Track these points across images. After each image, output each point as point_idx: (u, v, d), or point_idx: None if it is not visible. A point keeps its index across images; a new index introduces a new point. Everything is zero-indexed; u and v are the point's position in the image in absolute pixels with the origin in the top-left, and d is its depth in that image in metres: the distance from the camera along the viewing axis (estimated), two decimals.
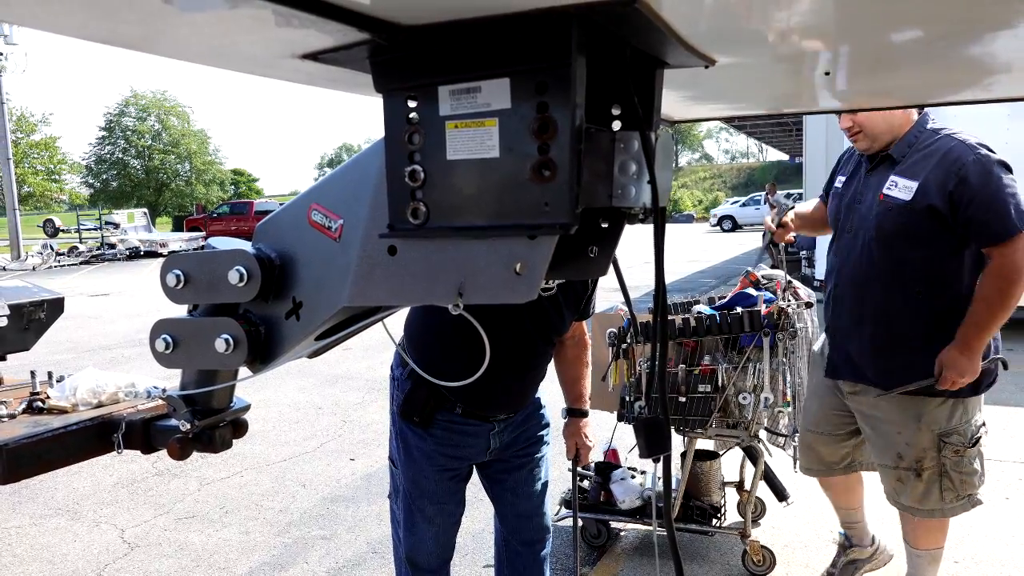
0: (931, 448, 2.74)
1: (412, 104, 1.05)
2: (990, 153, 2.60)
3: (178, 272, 1.36)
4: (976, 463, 2.80)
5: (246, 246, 1.37)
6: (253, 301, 1.32)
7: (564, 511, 4.02)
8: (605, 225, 1.25)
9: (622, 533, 4.19)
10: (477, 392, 2.26)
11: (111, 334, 11.00)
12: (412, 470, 2.44)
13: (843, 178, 2.98)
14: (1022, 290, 2.51)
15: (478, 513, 4.02)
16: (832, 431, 3.11)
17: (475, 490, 2.64)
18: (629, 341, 3.54)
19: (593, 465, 4.11)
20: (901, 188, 2.63)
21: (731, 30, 1.10)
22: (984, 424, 2.83)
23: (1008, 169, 2.58)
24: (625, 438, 4.11)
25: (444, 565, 2.59)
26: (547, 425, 2.65)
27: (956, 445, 2.73)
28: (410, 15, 0.95)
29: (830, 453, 3.16)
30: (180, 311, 1.47)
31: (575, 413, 2.78)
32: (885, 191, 2.68)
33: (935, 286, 2.64)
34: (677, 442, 3.81)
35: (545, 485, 2.67)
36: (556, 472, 4.56)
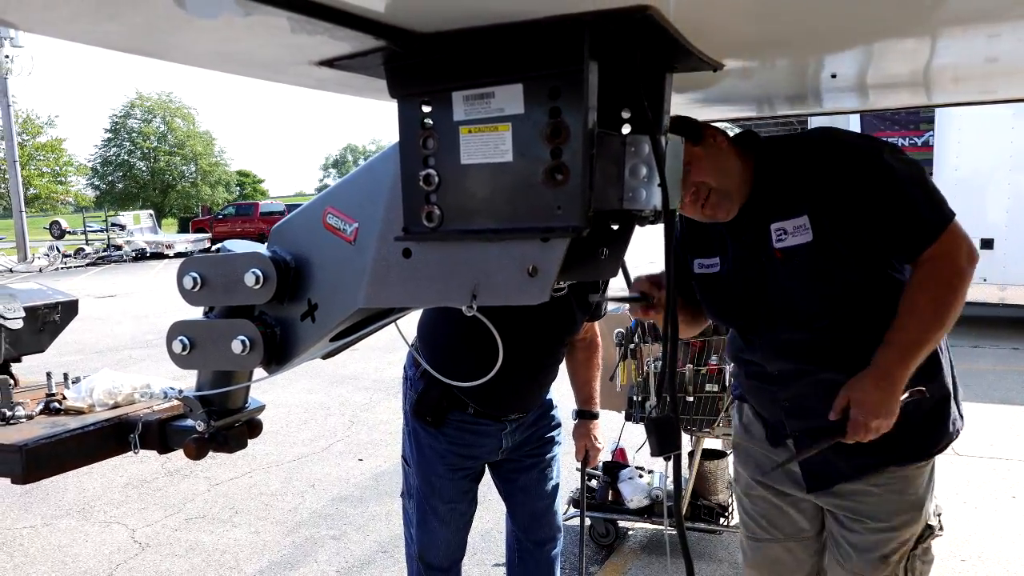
0: (912, 539, 2.04)
1: (426, 109, 1.07)
2: (850, 137, 1.93)
3: (195, 275, 1.38)
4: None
5: (262, 249, 1.39)
6: (269, 303, 1.34)
7: (572, 510, 4.03)
8: (615, 227, 1.27)
9: (630, 532, 4.20)
10: (489, 392, 2.28)
11: (119, 335, 11.05)
12: (424, 469, 2.46)
13: (708, 260, 2.11)
14: (963, 297, 1.83)
15: (488, 512, 4.04)
16: (805, 533, 2.20)
17: (485, 489, 2.66)
18: (637, 341, 3.55)
19: (601, 464, 4.12)
20: (794, 232, 1.91)
21: (740, 35, 1.12)
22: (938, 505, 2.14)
23: (892, 149, 1.89)
24: (633, 438, 4.13)
25: (456, 564, 2.61)
26: (558, 425, 2.67)
27: (936, 529, 2.08)
28: (425, 23, 0.97)
29: (796, 566, 2.24)
30: (194, 313, 1.49)
31: (585, 415, 2.79)
32: (777, 246, 1.93)
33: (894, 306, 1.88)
34: (685, 441, 3.84)
35: (556, 485, 2.68)
36: (564, 471, 4.58)
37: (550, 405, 2.64)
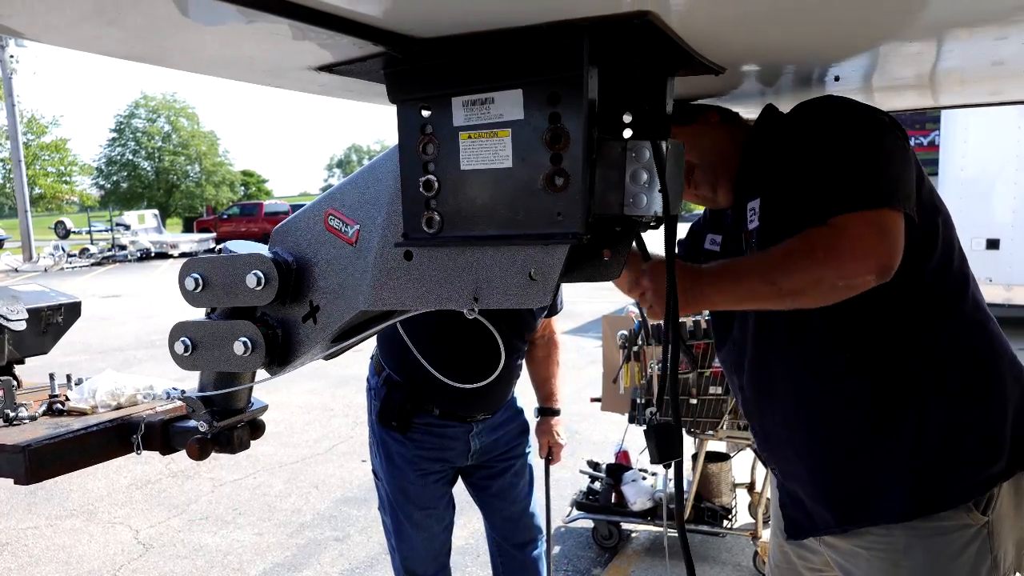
0: None
1: (426, 114, 1.08)
2: (844, 104, 1.50)
3: (197, 276, 1.38)
4: None
5: (263, 250, 1.39)
6: (270, 304, 1.34)
7: (575, 512, 4.04)
8: (618, 228, 1.27)
9: (633, 535, 4.20)
10: (453, 392, 2.29)
11: (123, 336, 11.07)
12: (396, 478, 2.45)
13: (717, 236, 1.82)
14: (803, 288, 1.35)
15: None
16: None
17: None
18: (640, 343, 3.55)
19: (605, 466, 4.13)
20: (758, 212, 1.59)
21: (741, 40, 1.12)
22: None
23: (884, 124, 1.47)
24: (636, 440, 4.12)
25: (442, 570, 2.61)
26: (527, 428, 2.68)
27: None
28: (424, 28, 0.97)
29: None
30: (196, 314, 1.49)
31: (547, 412, 2.81)
32: (748, 226, 1.61)
33: (865, 337, 1.49)
34: (688, 444, 3.84)
35: (531, 487, 2.69)
36: (567, 473, 4.59)
37: (517, 408, 2.65)
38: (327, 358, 1.54)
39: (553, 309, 2.62)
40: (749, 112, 2.03)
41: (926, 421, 1.48)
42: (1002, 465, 1.49)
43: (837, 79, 1.53)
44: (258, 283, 1.32)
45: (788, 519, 1.72)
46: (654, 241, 1.36)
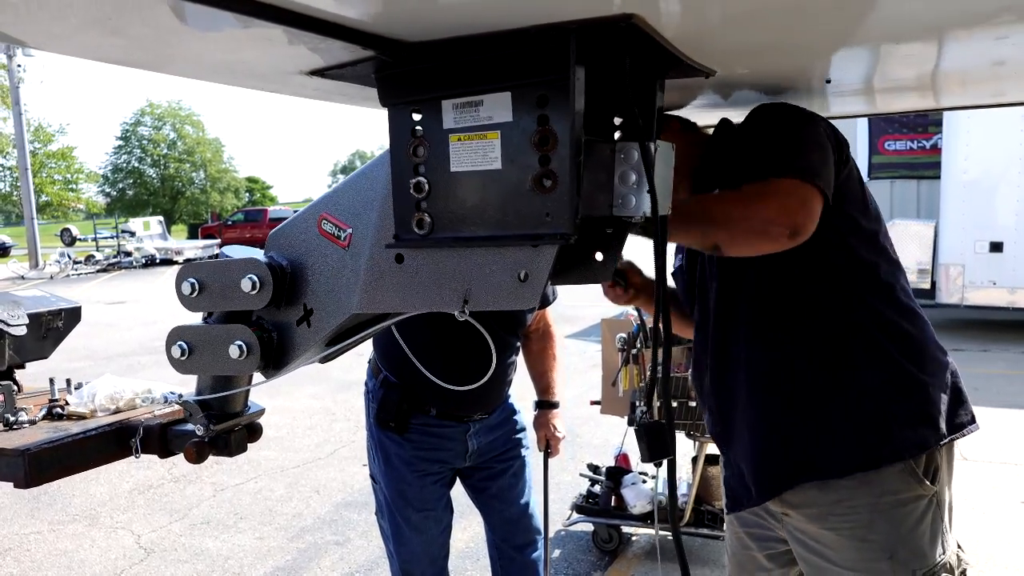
0: None
1: (416, 117, 1.09)
2: (779, 106, 1.65)
3: (193, 281, 1.40)
4: None
5: (258, 254, 1.40)
6: (265, 308, 1.36)
7: (575, 516, 4.04)
8: (609, 231, 1.27)
9: (633, 538, 4.19)
10: (449, 393, 2.29)
11: (127, 341, 11.10)
12: (394, 480, 2.45)
13: (679, 252, 1.98)
14: (739, 232, 1.47)
15: None
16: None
17: None
18: (639, 346, 3.55)
19: (604, 469, 4.13)
20: None
21: (728, 42, 1.12)
22: (961, 548, 1.74)
23: (818, 126, 1.60)
24: (636, 443, 4.12)
25: (441, 573, 2.60)
26: (523, 429, 2.68)
27: None
28: (414, 32, 0.98)
29: None
30: (196, 318, 1.50)
31: (544, 405, 2.79)
32: None
33: (809, 312, 1.65)
34: (688, 447, 3.84)
35: (529, 488, 2.68)
36: (567, 476, 4.59)
37: (513, 409, 2.64)
38: (323, 361, 1.56)
39: (545, 300, 2.59)
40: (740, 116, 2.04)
41: (862, 388, 1.63)
42: (935, 432, 1.63)
43: (828, 81, 1.53)
44: (253, 287, 1.33)
45: (731, 495, 1.84)
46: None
